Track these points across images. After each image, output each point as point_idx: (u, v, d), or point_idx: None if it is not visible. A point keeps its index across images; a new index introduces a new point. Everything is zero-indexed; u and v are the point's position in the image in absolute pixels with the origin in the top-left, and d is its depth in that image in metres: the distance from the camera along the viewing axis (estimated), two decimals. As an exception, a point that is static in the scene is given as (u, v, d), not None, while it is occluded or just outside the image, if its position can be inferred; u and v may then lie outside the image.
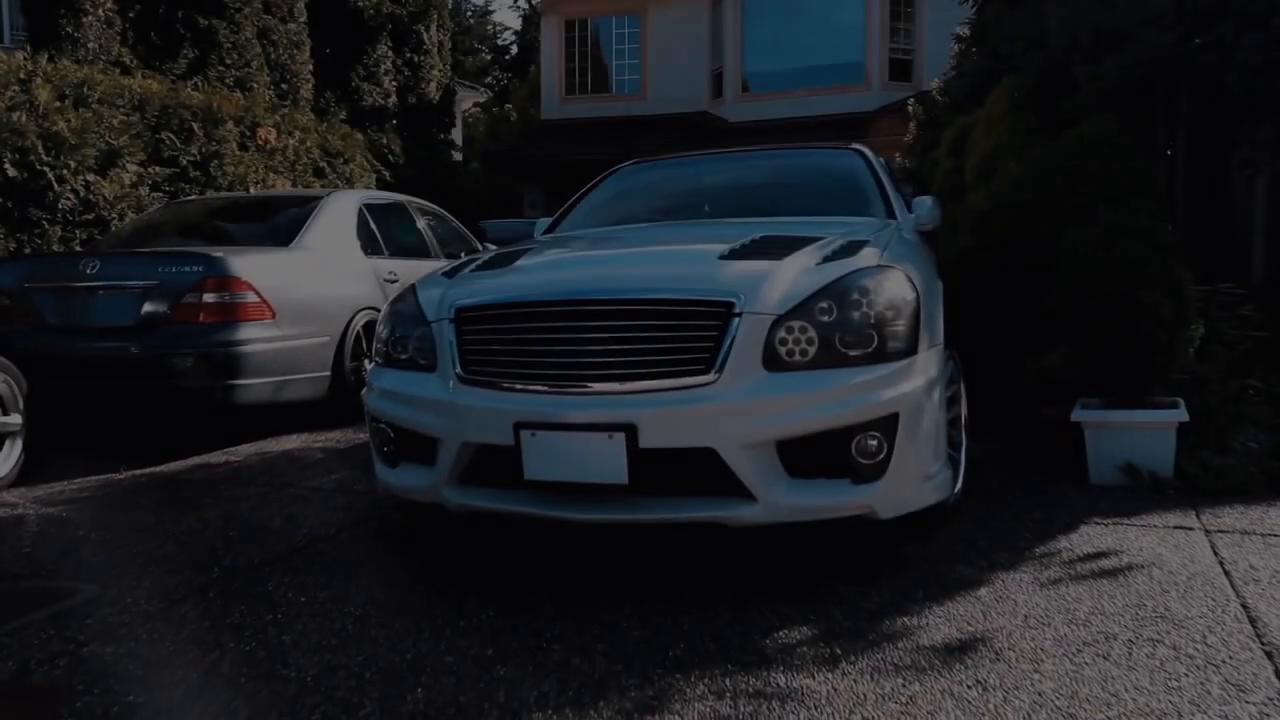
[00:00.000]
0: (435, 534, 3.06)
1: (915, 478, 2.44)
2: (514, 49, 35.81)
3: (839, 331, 2.38)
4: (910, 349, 2.44)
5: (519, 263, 2.99)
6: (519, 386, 2.44)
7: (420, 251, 6.36)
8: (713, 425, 2.29)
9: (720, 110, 16.49)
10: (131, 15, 8.11)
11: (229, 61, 8.69)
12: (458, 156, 16.34)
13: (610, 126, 16.72)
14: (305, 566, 2.75)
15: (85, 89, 6.20)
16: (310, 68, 10.39)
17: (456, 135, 17.84)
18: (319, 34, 11.39)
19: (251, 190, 5.95)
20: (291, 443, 4.80)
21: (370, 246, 5.77)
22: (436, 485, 2.61)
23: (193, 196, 6.59)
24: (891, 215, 3.63)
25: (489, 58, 36.68)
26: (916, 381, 2.43)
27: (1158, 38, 5.04)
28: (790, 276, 2.46)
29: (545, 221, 4.33)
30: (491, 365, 2.50)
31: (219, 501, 3.61)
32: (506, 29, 41.23)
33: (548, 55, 18.23)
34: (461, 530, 2.95)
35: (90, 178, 6.03)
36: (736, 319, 2.33)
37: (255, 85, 8.89)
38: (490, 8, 43.50)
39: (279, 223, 5.52)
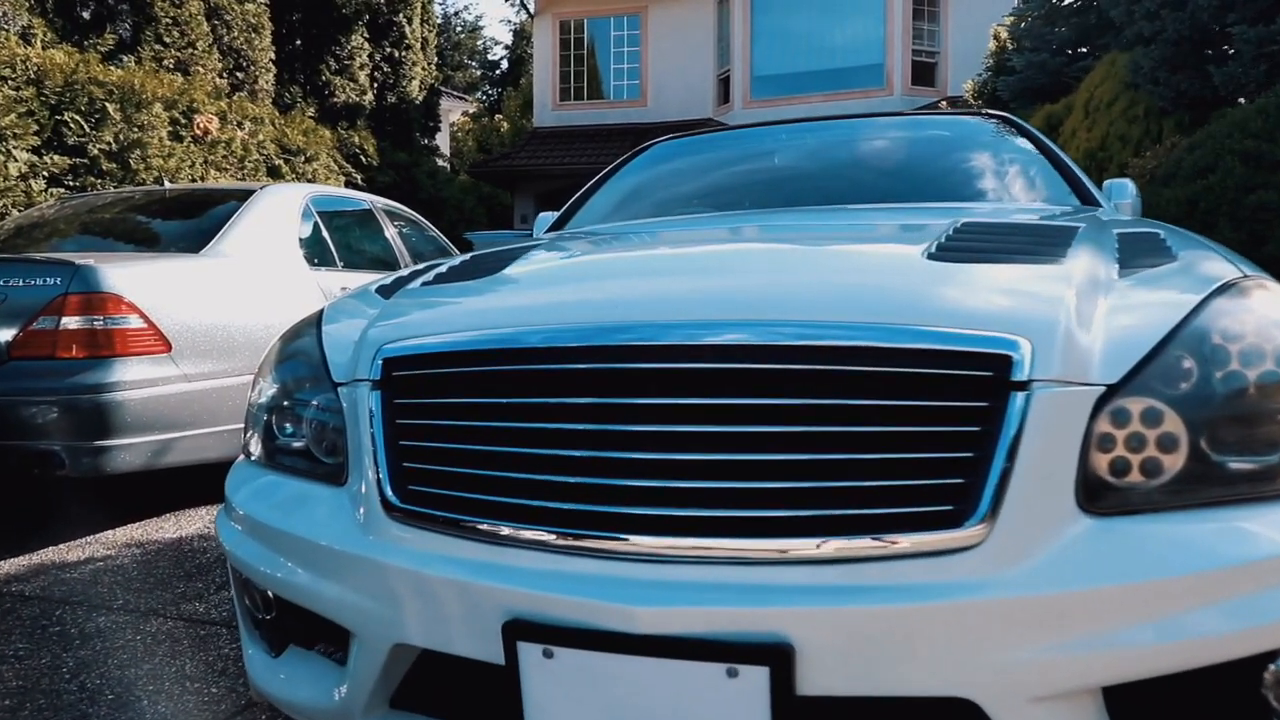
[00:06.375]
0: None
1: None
2: (504, 64, 35.03)
3: (1211, 422, 1.08)
4: (1344, 455, 1.14)
5: (510, 271, 1.61)
6: (519, 533, 1.12)
7: (385, 264, 5.09)
8: (971, 648, 0.97)
9: (727, 117, 15.32)
10: (53, -18, 6.79)
11: (169, 40, 7.33)
12: (443, 164, 15.05)
13: (607, 135, 15.68)
14: None
15: (-42, 56, 4.88)
16: (271, 55, 9.02)
17: (442, 141, 16.62)
18: (286, 21, 10.08)
19: (167, 184, 4.63)
20: (194, 523, 3.48)
21: (318, 255, 4.48)
22: (349, 711, 1.30)
23: (103, 191, 5.28)
24: (1089, 201, 2.36)
25: (479, 73, 35.95)
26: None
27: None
28: (1105, 303, 1.16)
29: (550, 217, 2.97)
30: (452, 479, 1.17)
31: (34, 648, 2.28)
32: (497, 43, 40.47)
33: (540, 59, 17.06)
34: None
35: (-41, 166, 4.69)
36: (1019, 394, 1.02)
37: (201, 69, 7.53)
38: (481, 23, 42.62)
39: (194, 223, 4.22)
